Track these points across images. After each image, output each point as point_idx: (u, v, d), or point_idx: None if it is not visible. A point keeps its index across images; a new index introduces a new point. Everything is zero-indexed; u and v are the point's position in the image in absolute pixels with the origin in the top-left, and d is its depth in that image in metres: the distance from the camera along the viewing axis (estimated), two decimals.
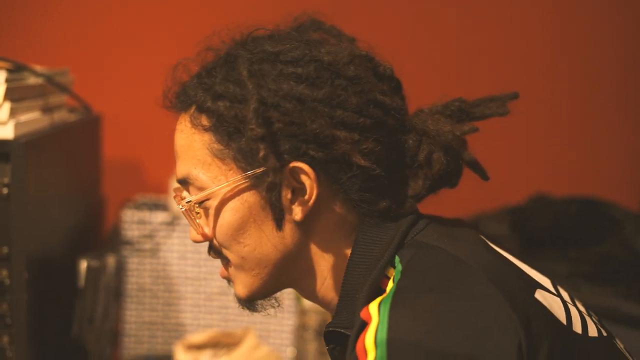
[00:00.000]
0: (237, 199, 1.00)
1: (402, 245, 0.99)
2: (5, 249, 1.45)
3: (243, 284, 1.05)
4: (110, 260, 1.85)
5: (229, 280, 1.08)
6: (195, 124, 1.01)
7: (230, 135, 0.98)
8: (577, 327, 0.97)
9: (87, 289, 1.63)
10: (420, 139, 1.02)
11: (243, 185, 1.00)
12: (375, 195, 1.00)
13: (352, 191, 0.99)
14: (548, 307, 0.96)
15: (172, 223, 2.02)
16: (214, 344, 1.81)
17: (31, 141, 1.45)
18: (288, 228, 1.01)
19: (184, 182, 1.04)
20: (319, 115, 0.96)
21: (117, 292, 1.96)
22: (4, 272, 1.45)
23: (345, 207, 1.01)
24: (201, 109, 1.01)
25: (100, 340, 1.79)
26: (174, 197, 1.07)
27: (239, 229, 1.01)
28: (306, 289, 1.07)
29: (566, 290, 1.07)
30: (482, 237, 1.05)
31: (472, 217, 2.10)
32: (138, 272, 2.07)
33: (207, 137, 1.00)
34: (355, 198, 1.00)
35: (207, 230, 1.04)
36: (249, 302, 1.08)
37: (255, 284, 1.05)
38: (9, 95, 1.43)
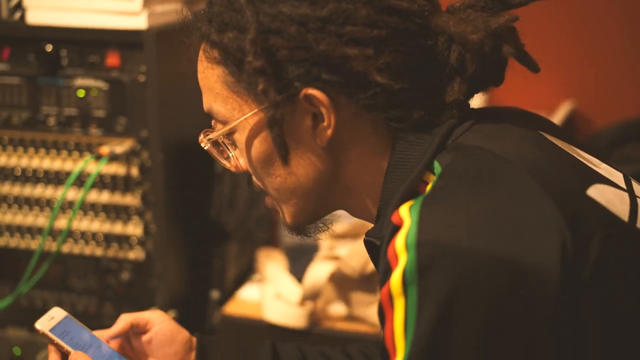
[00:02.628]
0: (258, 131, 0.97)
1: (443, 149, 0.93)
2: (144, 133, 1.56)
3: (285, 214, 1.03)
4: None
5: (275, 210, 1.06)
6: (208, 58, 0.98)
7: (238, 67, 0.94)
8: None
9: (225, 174, 1.73)
10: (449, 41, 0.93)
11: (260, 118, 0.96)
12: (404, 110, 0.94)
13: (376, 109, 0.93)
14: (604, 203, 0.89)
15: None
16: (354, 235, 1.86)
17: (164, 32, 1.54)
18: (317, 155, 0.97)
19: (210, 116, 1.02)
20: (326, 35, 0.90)
21: None
22: (144, 154, 1.58)
23: (376, 125, 0.95)
24: (210, 42, 0.97)
25: (246, 225, 1.89)
26: (200, 135, 1.04)
27: (266, 162, 0.98)
28: (353, 209, 1.04)
29: None
30: (541, 130, 0.98)
31: None
32: None
33: (220, 71, 0.97)
34: (382, 116, 0.94)
35: (242, 162, 1.02)
36: (297, 230, 1.05)
37: (296, 213, 1.02)
38: None
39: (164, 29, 1.55)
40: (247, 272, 1.94)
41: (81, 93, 1.57)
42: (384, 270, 0.85)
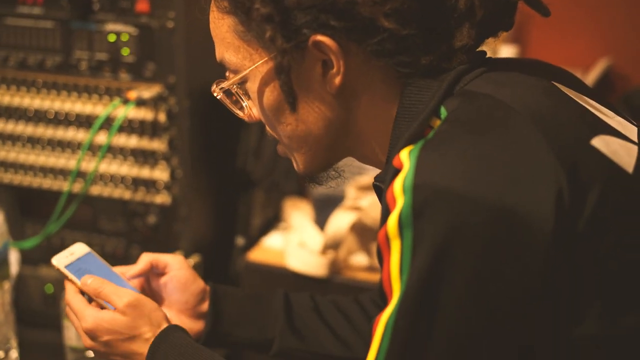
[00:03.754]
0: (269, 80, 0.99)
1: (450, 95, 0.93)
2: (172, 79, 1.59)
3: (298, 162, 1.05)
4: None
5: (288, 157, 1.08)
6: (219, 8, 1.00)
7: (248, 16, 0.96)
8: None
9: (252, 122, 1.74)
10: None
11: (271, 67, 0.97)
12: (412, 55, 0.94)
13: (385, 55, 0.94)
14: (609, 153, 0.89)
15: None
16: None
17: None
18: (327, 102, 0.98)
19: (223, 66, 1.04)
20: None
21: None
22: (172, 100, 1.60)
23: (385, 71, 0.96)
24: None
25: (273, 174, 1.91)
26: (213, 85, 1.06)
27: (277, 110, 1.00)
28: (363, 156, 1.05)
29: None
30: (554, 81, 0.97)
31: None
32: None
33: (231, 20, 0.98)
34: (391, 62, 0.94)
35: (255, 112, 1.04)
36: (310, 177, 1.08)
37: (308, 160, 1.04)
38: None
39: None
40: (272, 220, 1.97)
41: (112, 38, 1.60)
42: (383, 212, 0.87)
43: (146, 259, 1.21)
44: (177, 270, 1.22)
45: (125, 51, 1.60)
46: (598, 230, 0.85)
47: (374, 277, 1.72)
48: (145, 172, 1.66)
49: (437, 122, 0.92)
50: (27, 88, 1.68)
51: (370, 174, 2.03)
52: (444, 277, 0.82)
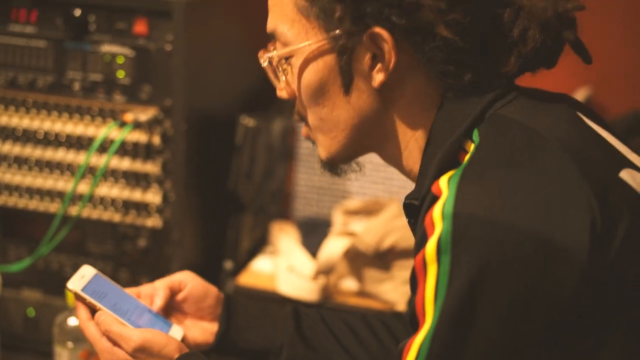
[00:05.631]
0: (318, 59, 1.01)
1: (483, 118, 0.96)
2: (168, 102, 1.58)
3: (323, 146, 1.07)
4: (277, 123, 1.94)
5: (311, 140, 1.10)
6: None
7: None
8: None
9: (244, 146, 1.74)
10: (516, 14, 0.96)
11: (324, 46, 1.00)
12: (460, 69, 0.97)
13: (434, 62, 0.96)
14: (635, 186, 0.92)
15: None
16: (367, 211, 1.88)
17: (193, 2, 1.55)
18: (367, 94, 1.01)
19: (272, 37, 1.05)
20: None
21: (284, 155, 2.06)
22: (167, 123, 1.59)
23: (428, 79, 0.99)
24: None
25: (261, 197, 1.91)
26: (260, 52, 1.08)
27: (319, 90, 1.02)
28: (387, 155, 1.07)
29: None
30: (580, 113, 1.00)
31: None
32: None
33: None
34: (437, 70, 0.97)
35: (292, 88, 1.05)
36: (330, 165, 1.09)
37: (333, 147, 1.06)
38: None
39: None
40: (259, 243, 1.96)
41: (107, 59, 1.58)
42: (420, 237, 0.89)
43: (163, 285, 1.21)
44: (192, 281, 1.24)
45: (121, 73, 1.58)
46: (626, 260, 0.87)
47: (365, 302, 1.72)
48: (137, 195, 1.64)
49: (471, 145, 0.94)
50: (16, 107, 1.65)
51: (356, 198, 2.04)
52: (480, 304, 0.84)
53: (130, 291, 1.20)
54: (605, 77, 2.05)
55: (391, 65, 0.97)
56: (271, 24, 1.05)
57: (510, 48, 0.97)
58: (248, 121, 1.76)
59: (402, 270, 1.68)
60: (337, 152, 1.07)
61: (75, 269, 1.18)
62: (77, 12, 1.56)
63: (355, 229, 1.76)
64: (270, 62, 1.06)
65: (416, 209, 0.95)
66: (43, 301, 1.73)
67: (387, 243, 1.68)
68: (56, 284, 1.71)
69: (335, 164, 1.10)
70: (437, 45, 0.95)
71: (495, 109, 0.97)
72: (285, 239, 1.86)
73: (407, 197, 0.99)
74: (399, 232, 1.68)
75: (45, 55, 1.62)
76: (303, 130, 1.10)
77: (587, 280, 0.84)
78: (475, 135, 0.94)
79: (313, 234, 1.95)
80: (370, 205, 1.88)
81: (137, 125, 1.56)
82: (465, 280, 0.84)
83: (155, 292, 1.20)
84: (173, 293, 1.22)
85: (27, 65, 1.63)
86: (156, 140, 1.59)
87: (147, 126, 1.58)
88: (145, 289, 1.21)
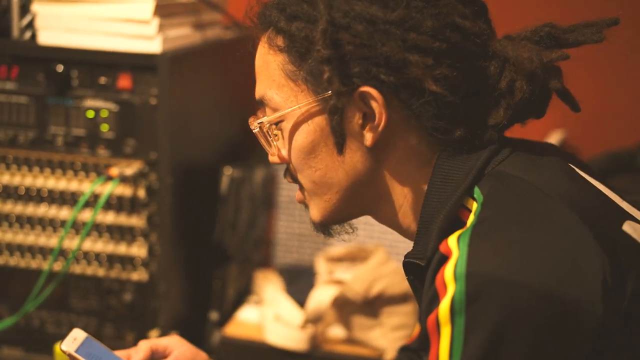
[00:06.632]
0: (309, 122, 1.01)
1: (482, 175, 0.96)
2: (153, 155, 1.57)
3: (316, 209, 1.06)
4: (258, 172, 1.94)
5: (305, 204, 1.09)
6: (271, 45, 1.01)
7: (301, 56, 0.98)
8: None
9: (229, 197, 1.74)
10: (502, 66, 0.97)
11: (314, 108, 1.00)
12: (450, 124, 0.97)
13: (424, 118, 0.97)
14: (638, 238, 0.93)
15: None
16: (352, 258, 1.88)
17: (177, 56, 1.55)
18: (360, 154, 1.00)
19: (261, 103, 1.05)
20: (391, 38, 0.94)
21: (265, 203, 2.06)
22: (153, 176, 1.58)
23: (420, 136, 0.99)
24: (277, 30, 1.01)
25: (245, 246, 1.90)
26: (250, 118, 1.07)
27: (310, 153, 1.02)
28: (382, 216, 1.06)
29: None
30: (571, 164, 1.02)
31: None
32: (289, 184, 2.15)
33: (282, 58, 1.00)
34: (429, 126, 0.97)
35: (284, 152, 1.05)
36: (324, 227, 1.09)
37: (327, 209, 1.05)
38: (159, 11, 1.53)
39: (177, 53, 1.56)
40: (244, 293, 1.95)
41: (90, 114, 1.58)
42: (430, 298, 0.88)
43: (146, 345, 1.19)
44: (180, 347, 1.21)
45: (105, 127, 1.58)
46: (636, 314, 0.88)
47: (354, 350, 1.72)
48: (121, 249, 1.62)
49: (472, 203, 0.94)
50: None
51: (339, 245, 2.04)
52: None
53: (121, 354, 1.18)
54: (577, 121, 2.09)
55: (382, 123, 0.97)
56: (259, 90, 1.04)
57: (499, 100, 0.98)
58: (232, 172, 1.76)
59: (391, 317, 1.69)
60: (331, 214, 1.06)
61: (57, 325, 1.16)
62: (60, 68, 1.56)
63: (341, 277, 1.76)
64: (260, 128, 1.05)
65: (419, 268, 0.94)
66: (24, 359, 1.70)
67: (375, 290, 1.68)
68: (37, 341, 1.69)
69: (329, 226, 1.09)
70: (427, 100, 0.95)
71: (493, 165, 0.97)
72: (270, 288, 1.85)
73: (407, 256, 0.98)
74: (387, 279, 1.68)
75: (26, 111, 1.61)
76: (297, 195, 1.09)
77: (601, 335, 0.84)
78: (477, 193, 0.94)
79: (296, 281, 1.95)
80: (354, 251, 1.88)
81: (122, 179, 1.56)
82: (481, 341, 0.83)
83: (136, 351, 1.18)
84: (156, 357, 1.20)
85: (8, 122, 1.61)
86: (141, 193, 1.59)
87: (132, 180, 1.58)
88: (134, 350, 1.20)
